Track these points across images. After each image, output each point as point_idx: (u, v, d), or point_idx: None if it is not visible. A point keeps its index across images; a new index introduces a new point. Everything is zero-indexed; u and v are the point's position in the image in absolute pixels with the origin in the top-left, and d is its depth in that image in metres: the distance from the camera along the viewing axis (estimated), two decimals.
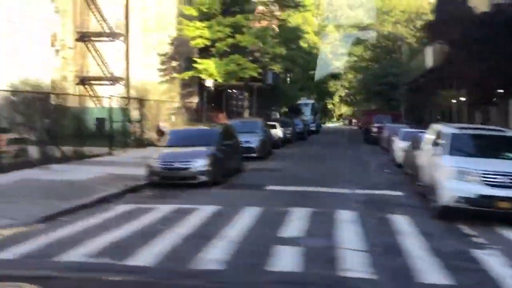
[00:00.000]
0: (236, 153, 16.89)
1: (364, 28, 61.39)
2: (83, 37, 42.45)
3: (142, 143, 27.60)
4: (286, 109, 58.69)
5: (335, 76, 67.38)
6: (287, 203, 11.30)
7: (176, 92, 35.56)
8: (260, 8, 34.98)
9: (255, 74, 30.75)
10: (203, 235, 8.06)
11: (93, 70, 42.79)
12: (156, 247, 7.33)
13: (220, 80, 31.01)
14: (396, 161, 19.55)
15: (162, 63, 40.05)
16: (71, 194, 12.20)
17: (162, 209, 10.45)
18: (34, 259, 6.76)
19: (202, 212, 10.16)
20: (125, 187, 13.44)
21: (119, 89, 41.45)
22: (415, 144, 15.84)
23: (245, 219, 9.44)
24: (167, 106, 34.46)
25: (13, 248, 7.29)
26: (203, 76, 31.39)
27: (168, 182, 13.72)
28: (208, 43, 32.04)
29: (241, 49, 31.03)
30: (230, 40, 30.91)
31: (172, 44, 39.71)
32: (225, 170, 14.78)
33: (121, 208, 10.77)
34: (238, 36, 30.38)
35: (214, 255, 6.84)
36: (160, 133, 32.40)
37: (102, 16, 42.58)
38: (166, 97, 36.24)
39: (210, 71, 30.85)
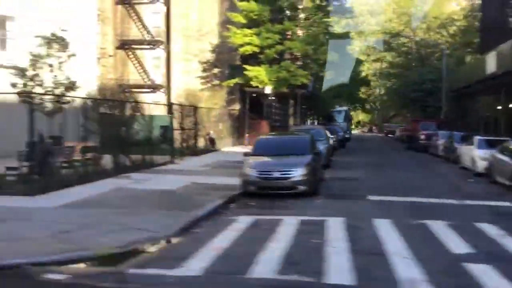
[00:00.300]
0: (319, 161, 16.59)
1: (397, 34, 60.70)
2: (124, 45, 42.64)
3: (195, 150, 27.41)
4: (317, 116, 58.46)
5: (365, 83, 66.81)
6: (409, 214, 10.95)
7: (221, 99, 35.41)
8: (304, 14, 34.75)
9: (306, 81, 30.49)
10: (369, 251, 7.72)
11: (133, 77, 42.92)
12: (335, 263, 6.97)
13: (271, 87, 30.75)
14: (475, 170, 19.10)
15: (204, 70, 40.05)
16: (180, 204, 11.97)
17: (289, 221, 10.12)
18: (225, 275, 6.47)
19: (333, 224, 9.83)
20: (225, 197, 13.19)
21: (159, 96, 41.51)
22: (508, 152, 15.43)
23: (388, 232, 9.08)
24: (213, 113, 34.30)
25: (185, 263, 7.01)
26: (253, 83, 31.18)
27: (266, 192, 13.45)
28: (257, 50, 31.86)
29: (289, 55, 30.80)
30: (280, 47, 30.70)
31: (213, 51, 39.69)
32: (318, 179, 14.46)
33: (243, 219, 10.47)
34: (288, 43, 30.16)
35: (413, 274, 6.46)
36: (211, 140, 32.35)
37: (142, 24, 42.74)
38: (209, 104, 36.11)
39: (261, 78, 30.63)
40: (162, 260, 7.32)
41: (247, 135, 38.61)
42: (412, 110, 62.01)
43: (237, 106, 38.68)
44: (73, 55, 15.23)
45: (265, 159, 14.29)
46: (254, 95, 40.46)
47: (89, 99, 16.99)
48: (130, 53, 42.90)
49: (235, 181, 16.34)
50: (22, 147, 19.83)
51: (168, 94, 41.46)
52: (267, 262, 6.98)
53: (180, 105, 25.56)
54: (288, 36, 33.59)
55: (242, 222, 10.15)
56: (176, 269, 6.74)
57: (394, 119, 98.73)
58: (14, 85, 14.08)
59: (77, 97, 15.63)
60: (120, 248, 7.83)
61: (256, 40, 31.57)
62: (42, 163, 13.03)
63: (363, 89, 76.83)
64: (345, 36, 45.20)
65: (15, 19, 25.66)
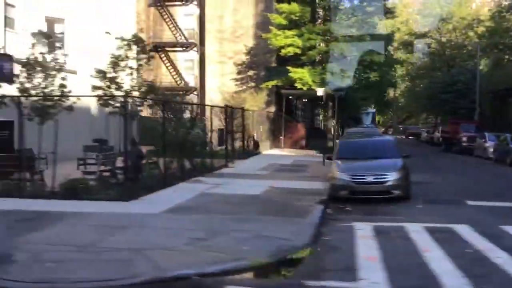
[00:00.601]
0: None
1: (422, 35, 60.07)
2: (156, 47, 42.39)
3: (243, 153, 27.05)
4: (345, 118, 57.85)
5: (392, 84, 65.92)
6: None
7: (260, 102, 35.03)
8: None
9: (351, 83, 30.09)
10: None
11: (167, 80, 42.64)
12: None
13: (316, 88, 30.34)
14: None
15: (239, 72, 39.74)
16: (282, 210, 11.57)
17: (413, 228, 9.69)
18: None
19: (464, 232, 9.40)
20: (319, 202, 12.81)
21: (193, 99, 41.19)
22: None
23: None
24: (255, 116, 33.92)
25: (359, 275, 6.61)
26: (298, 85, 30.79)
27: (358, 197, 13.04)
28: (298, 51, 31.48)
29: (333, 56, 30.46)
30: (322, 48, 30.31)
31: (248, 53, 39.38)
32: (410, 183, 13.94)
33: (361, 226, 10.04)
34: (332, 44, 29.79)
35: None
36: (255, 143, 32.02)
37: (175, 26, 42.51)
38: (247, 107, 35.76)
39: (305, 80, 30.23)
40: (328, 271, 6.94)
41: (281, 137, 38.27)
42: (436, 111, 61.45)
43: (272, 109, 38.34)
44: (152, 57, 14.96)
45: (355, 162, 13.86)
46: (290, 97, 40.10)
47: (157, 101, 16.58)
48: (163, 55, 42.70)
49: (311, 185, 16.08)
50: (78, 151, 19.58)
51: (202, 96, 41.18)
52: (448, 275, 6.56)
53: (232, 107, 25.21)
54: (327, 38, 33.16)
55: (363, 229, 9.74)
56: (356, 282, 6.35)
57: (407, 120, 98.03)
58: (97, 88, 13.78)
59: (148, 98, 15.29)
60: (272, 258, 7.47)
61: (298, 41, 31.19)
62: (135, 167, 12.71)
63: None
64: (388, 37, 44.65)
65: (65, 21, 25.50)
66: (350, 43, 30.69)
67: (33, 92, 13.24)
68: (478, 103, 45.27)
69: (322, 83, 30.13)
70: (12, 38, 22.78)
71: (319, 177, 18.85)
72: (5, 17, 21.59)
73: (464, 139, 34.92)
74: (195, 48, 41.86)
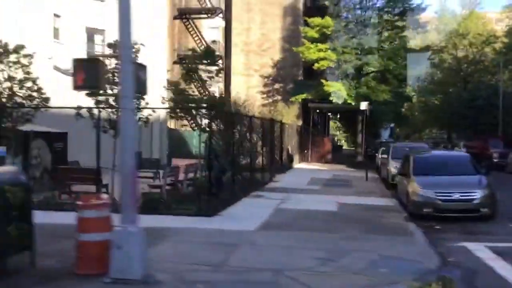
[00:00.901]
0: None
1: (439, 50, 59.88)
2: (181, 60, 42.14)
3: (280, 167, 26.67)
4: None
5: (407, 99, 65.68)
6: None
7: (292, 115, 34.67)
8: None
9: (388, 97, 29.80)
10: None
11: (191, 91, 42.31)
12: None
13: (352, 103, 30.07)
14: None
15: (265, 85, 39.51)
16: (375, 227, 11.14)
17: None
18: None
19: None
20: (405, 219, 12.43)
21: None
22: None
23: None
24: (289, 130, 33.55)
25: None
26: (332, 99, 30.48)
27: (444, 215, 12.61)
28: (332, 65, 31.25)
29: (366, 70, 30.22)
30: (357, 62, 30.11)
31: (275, 66, 39.22)
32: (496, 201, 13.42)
33: (475, 247, 9.55)
34: (368, 57, 29.57)
35: None
36: (289, 157, 31.63)
37: (200, 39, 42.29)
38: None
39: (340, 93, 29.95)
40: None
41: (306, 151, 37.89)
42: (449, 126, 61.26)
43: (300, 122, 38.01)
44: (222, 69, 14.67)
45: (437, 179, 13.41)
46: (318, 111, 39.84)
47: (230, 114, 16.30)
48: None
49: (376, 201, 15.79)
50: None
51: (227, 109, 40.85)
52: None
53: (272, 120, 24.87)
54: (359, 51, 32.92)
55: (481, 251, 9.29)
56: None
57: (411, 135, 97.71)
58: (171, 100, 13.47)
59: (212, 109, 14.98)
60: (421, 282, 7.04)
61: (332, 55, 30.96)
62: (217, 182, 12.32)
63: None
64: (423, 50, 44.18)
65: (105, 32, 25.24)
66: (383, 57, 30.43)
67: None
68: (501, 118, 45.10)
69: (357, 97, 29.85)
70: (58, 48, 22.58)
71: (376, 192, 18.58)
72: (54, 28, 21.39)
73: (495, 155, 34.53)
74: (220, 61, 41.57)
